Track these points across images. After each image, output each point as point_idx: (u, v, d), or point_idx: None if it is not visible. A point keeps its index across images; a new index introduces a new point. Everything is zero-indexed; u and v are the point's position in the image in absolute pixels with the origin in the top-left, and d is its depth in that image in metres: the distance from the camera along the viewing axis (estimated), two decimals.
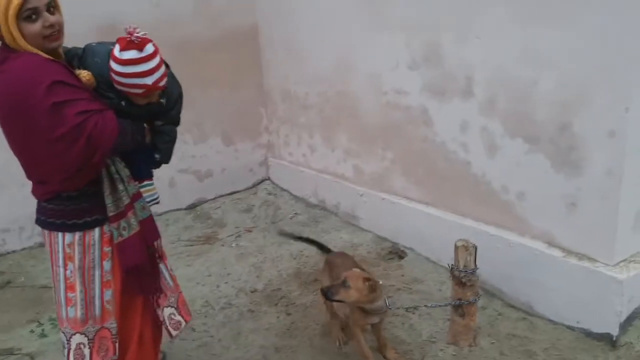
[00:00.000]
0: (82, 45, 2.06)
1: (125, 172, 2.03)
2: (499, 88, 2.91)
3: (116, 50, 1.83)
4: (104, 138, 1.84)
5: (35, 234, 4.36)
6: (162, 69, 1.92)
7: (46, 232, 2.06)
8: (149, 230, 2.13)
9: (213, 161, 5.12)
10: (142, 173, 2.20)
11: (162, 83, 1.94)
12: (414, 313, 3.03)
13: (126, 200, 2.01)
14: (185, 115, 4.98)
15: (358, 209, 4.23)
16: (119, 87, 1.91)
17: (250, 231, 4.54)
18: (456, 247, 2.60)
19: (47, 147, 1.80)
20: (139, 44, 1.81)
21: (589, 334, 2.69)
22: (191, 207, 5.06)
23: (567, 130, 2.63)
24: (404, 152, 3.70)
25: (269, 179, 5.51)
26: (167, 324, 2.26)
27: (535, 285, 2.89)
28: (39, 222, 2.06)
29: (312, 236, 4.26)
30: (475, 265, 2.60)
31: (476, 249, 2.59)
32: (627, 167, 2.46)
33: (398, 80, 3.55)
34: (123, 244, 2.02)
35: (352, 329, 2.59)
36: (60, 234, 2.00)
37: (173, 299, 2.32)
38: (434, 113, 3.36)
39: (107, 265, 2.05)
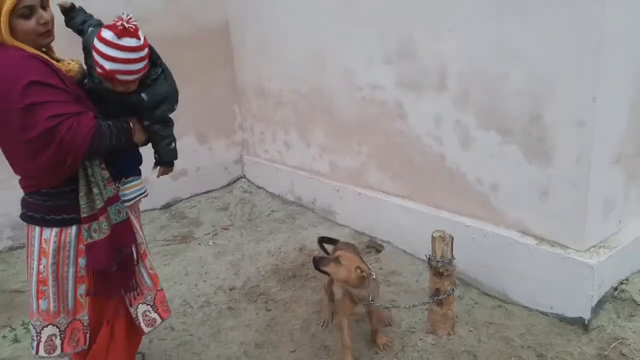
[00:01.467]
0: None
1: (102, 175, 1.99)
2: (471, 81, 2.96)
3: (109, 36, 1.83)
4: (76, 143, 1.79)
5: (5, 238, 4.24)
6: (147, 59, 1.94)
7: (26, 225, 2.06)
8: (122, 234, 2.09)
9: (187, 160, 5.07)
10: (128, 171, 2.20)
11: (143, 72, 1.96)
12: (389, 309, 3.07)
13: (100, 204, 1.98)
14: None
15: (335, 205, 4.26)
16: (101, 71, 1.89)
17: (227, 229, 4.51)
18: (433, 238, 2.64)
19: (21, 146, 1.80)
20: (134, 32, 1.84)
21: (562, 318, 2.76)
22: (166, 206, 5.00)
23: (538, 122, 2.70)
24: (379, 147, 3.73)
25: (244, 176, 5.49)
26: (141, 320, 2.25)
27: (510, 273, 2.96)
28: (21, 215, 2.05)
29: (289, 233, 4.27)
30: (452, 255, 2.65)
31: (452, 239, 2.63)
32: (596, 156, 2.54)
33: (373, 75, 3.58)
34: (91, 246, 2.00)
35: (339, 316, 2.63)
36: (37, 228, 2.00)
37: (150, 297, 2.31)
38: (408, 107, 3.40)
39: (82, 261, 2.05)
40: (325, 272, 2.45)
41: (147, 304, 2.28)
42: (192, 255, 4.03)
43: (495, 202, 3.04)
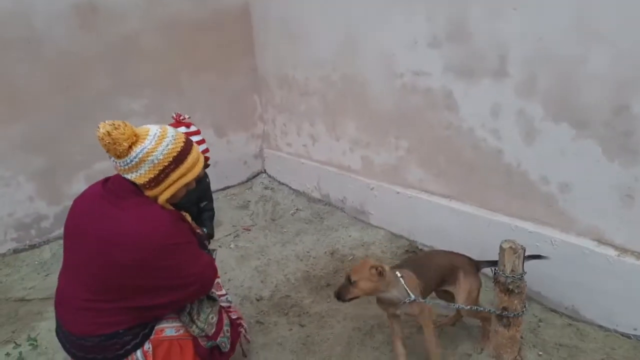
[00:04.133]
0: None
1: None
2: (539, 66, 2.56)
3: (184, 130, 2.36)
4: (201, 293, 1.98)
5: (9, 239, 3.90)
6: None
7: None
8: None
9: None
10: None
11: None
12: (451, 326, 2.70)
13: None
14: (173, 104, 4.54)
15: (368, 204, 3.87)
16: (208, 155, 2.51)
17: (249, 230, 4.15)
18: (502, 249, 2.25)
19: (156, 288, 1.80)
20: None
21: None
22: None
23: (624, 113, 2.30)
24: (421, 141, 3.34)
25: (264, 172, 5.12)
26: None
27: (583, 287, 2.58)
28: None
29: (317, 235, 3.90)
30: (523, 269, 2.26)
31: (524, 251, 2.24)
32: None
33: (416, 59, 3.18)
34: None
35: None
36: None
37: None
38: (459, 96, 3.00)
39: None
40: (354, 298, 2.19)
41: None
42: None
43: (565, 206, 2.64)
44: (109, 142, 1.71)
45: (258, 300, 3.14)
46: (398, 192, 3.57)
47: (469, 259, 2.51)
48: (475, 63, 2.85)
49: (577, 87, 2.44)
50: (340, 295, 2.17)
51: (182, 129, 2.29)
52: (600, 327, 2.54)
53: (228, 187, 4.90)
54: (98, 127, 1.72)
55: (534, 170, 2.73)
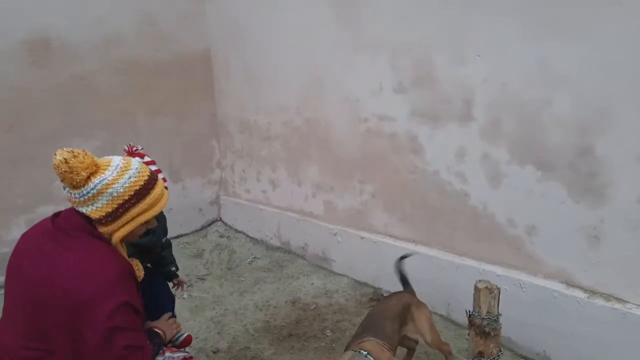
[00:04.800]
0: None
1: None
2: (504, 110, 2.62)
3: (140, 160, 2.07)
4: None
5: None
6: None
7: None
8: None
9: None
10: None
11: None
12: None
13: None
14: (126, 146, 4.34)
15: (330, 251, 3.76)
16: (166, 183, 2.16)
17: (204, 279, 3.92)
18: (477, 290, 2.18)
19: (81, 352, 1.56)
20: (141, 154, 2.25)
21: None
22: None
23: (588, 155, 2.36)
24: (387, 185, 3.31)
25: (220, 219, 4.94)
26: None
27: (553, 331, 2.54)
28: None
29: (277, 283, 3.73)
30: (499, 311, 2.20)
31: (499, 291, 2.19)
32: None
33: (381, 105, 3.20)
34: None
35: None
36: None
37: None
38: (424, 140, 3.02)
39: None
40: None
41: None
42: None
43: (532, 248, 2.64)
44: (65, 171, 1.55)
45: (214, 352, 2.91)
46: (362, 237, 3.49)
47: (407, 292, 2.54)
48: (441, 108, 2.89)
49: (541, 130, 2.50)
50: None
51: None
52: None
53: (181, 235, 4.66)
54: (55, 154, 1.56)
55: (501, 213, 2.74)
